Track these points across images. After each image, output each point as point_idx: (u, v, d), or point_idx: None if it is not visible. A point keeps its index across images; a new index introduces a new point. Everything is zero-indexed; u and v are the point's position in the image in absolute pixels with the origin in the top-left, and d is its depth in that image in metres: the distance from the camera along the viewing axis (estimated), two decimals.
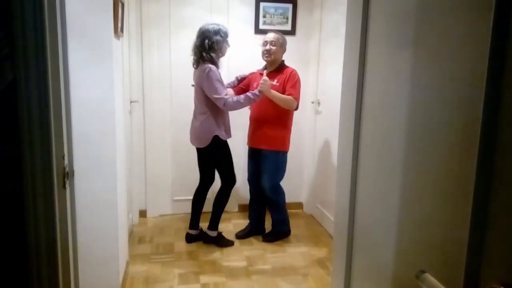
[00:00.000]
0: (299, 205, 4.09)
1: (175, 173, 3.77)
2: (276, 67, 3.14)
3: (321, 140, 3.72)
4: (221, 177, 3.14)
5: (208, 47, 2.88)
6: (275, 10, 3.72)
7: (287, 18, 3.75)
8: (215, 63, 2.92)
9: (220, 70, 2.97)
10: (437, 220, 0.85)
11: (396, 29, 1.02)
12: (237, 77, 3.34)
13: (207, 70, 2.84)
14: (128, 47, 3.31)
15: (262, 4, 3.68)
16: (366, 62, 1.18)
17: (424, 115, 0.90)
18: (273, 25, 3.72)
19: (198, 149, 3.11)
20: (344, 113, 1.32)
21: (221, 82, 2.89)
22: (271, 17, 3.72)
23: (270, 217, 3.35)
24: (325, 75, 3.59)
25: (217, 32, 2.90)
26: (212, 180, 3.21)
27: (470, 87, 0.74)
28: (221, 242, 3.18)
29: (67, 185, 1.32)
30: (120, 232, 2.27)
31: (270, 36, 3.11)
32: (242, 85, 3.29)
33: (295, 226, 3.64)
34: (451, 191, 0.80)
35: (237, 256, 3.02)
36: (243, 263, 2.90)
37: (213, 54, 2.89)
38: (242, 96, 2.93)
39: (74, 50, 1.82)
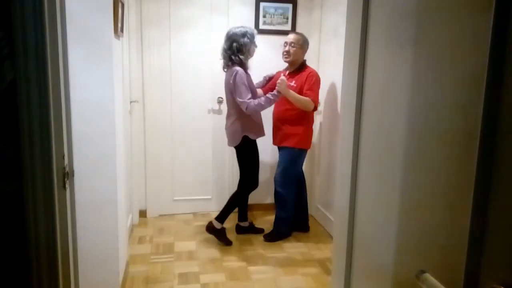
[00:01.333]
0: None
1: (175, 173, 3.77)
2: (296, 67, 3.18)
3: (321, 140, 3.72)
4: (244, 176, 3.19)
5: (237, 49, 2.97)
6: (275, 10, 3.72)
7: (287, 18, 3.75)
8: (244, 65, 3.00)
9: (249, 71, 3.05)
10: (437, 220, 0.85)
11: (396, 29, 1.02)
12: (265, 77, 3.41)
13: (234, 73, 2.93)
14: (128, 47, 3.31)
15: (262, 4, 3.68)
16: (366, 62, 1.18)
17: (424, 115, 0.90)
18: (273, 25, 3.72)
19: (235, 148, 3.20)
20: (344, 113, 1.32)
21: (246, 85, 2.95)
22: (271, 17, 3.72)
23: (275, 214, 3.35)
24: (325, 75, 3.59)
25: (244, 34, 2.98)
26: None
27: (470, 87, 0.74)
28: (221, 237, 3.20)
29: (67, 185, 1.32)
30: (120, 232, 2.27)
31: (290, 37, 3.16)
32: (270, 84, 3.35)
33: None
34: (451, 191, 0.80)
35: (237, 256, 3.02)
36: (243, 263, 2.90)
37: (241, 56, 2.98)
38: (262, 98, 3.00)
39: (74, 50, 1.82)
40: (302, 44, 3.15)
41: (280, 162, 3.27)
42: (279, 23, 3.74)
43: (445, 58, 0.83)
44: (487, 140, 0.68)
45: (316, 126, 3.83)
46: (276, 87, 3.01)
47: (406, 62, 0.97)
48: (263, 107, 2.99)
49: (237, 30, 3.00)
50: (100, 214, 2.04)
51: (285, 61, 3.21)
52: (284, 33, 3.76)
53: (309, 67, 3.21)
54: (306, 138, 3.22)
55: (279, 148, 3.31)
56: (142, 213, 3.72)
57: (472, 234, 0.71)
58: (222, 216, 3.19)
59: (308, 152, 3.89)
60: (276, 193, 3.29)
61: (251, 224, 3.42)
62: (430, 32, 0.88)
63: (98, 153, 1.99)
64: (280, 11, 3.73)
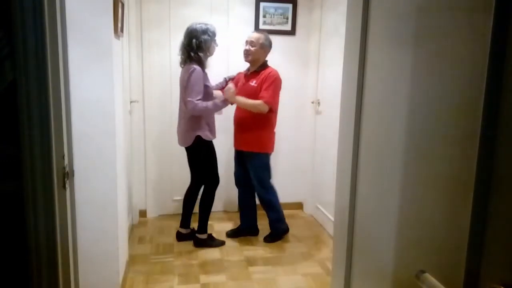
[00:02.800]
0: (299, 205, 4.09)
1: (175, 173, 3.77)
2: (257, 67, 3.08)
3: (321, 140, 3.72)
4: (204, 177, 3.13)
5: (196, 46, 2.86)
6: (275, 10, 3.72)
7: (287, 18, 3.75)
8: (202, 63, 2.90)
9: (207, 71, 2.97)
10: (437, 220, 0.85)
11: (396, 29, 1.02)
12: (225, 78, 3.32)
13: (191, 71, 2.83)
14: (128, 47, 3.31)
15: (262, 4, 3.68)
16: (366, 62, 1.18)
17: (424, 115, 0.90)
18: (273, 25, 3.72)
19: (186, 149, 3.10)
20: (344, 113, 1.32)
21: (200, 86, 2.84)
22: (271, 17, 3.72)
23: (267, 216, 3.33)
24: (325, 75, 3.59)
25: (205, 31, 2.88)
26: (202, 179, 3.18)
27: (470, 87, 0.74)
28: (212, 243, 3.17)
29: (67, 185, 1.32)
30: (120, 232, 2.27)
31: (251, 35, 3.07)
32: None
33: (295, 226, 3.64)
34: (451, 191, 0.80)
35: (237, 256, 3.02)
36: (243, 263, 2.90)
37: (201, 54, 2.87)
38: (210, 102, 2.89)
39: (74, 50, 1.82)
40: (263, 43, 3.04)
41: (252, 168, 3.16)
42: (279, 23, 3.74)
43: (445, 58, 0.83)
44: (487, 140, 0.68)
45: (316, 126, 3.84)
46: (224, 95, 2.95)
47: (406, 62, 0.97)
48: (209, 111, 2.89)
49: (198, 26, 2.88)
50: (100, 214, 2.04)
51: (246, 61, 3.11)
52: (284, 33, 3.77)
53: (270, 67, 3.09)
54: (269, 142, 3.14)
55: (241, 152, 3.20)
56: (142, 213, 3.72)
57: (472, 234, 0.71)
58: (202, 226, 3.15)
59: (308, 151, 3.91)
60: (261, 199, 3.24)
61: (193, 231, 3.25)
62: (430, 32, 0.88)
63: (98, 153, 1.99)
64: (280, 11, 3.73)
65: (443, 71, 0.83)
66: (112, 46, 1.98)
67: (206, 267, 2.83)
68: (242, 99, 3.01)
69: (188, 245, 3.18)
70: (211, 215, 3.25)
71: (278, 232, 3.33)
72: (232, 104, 3.04)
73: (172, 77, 3.62)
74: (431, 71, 0.87)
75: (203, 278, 2.67)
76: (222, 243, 3.20)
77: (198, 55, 2.87)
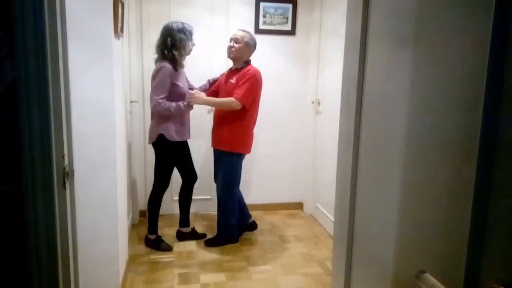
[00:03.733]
0: (299, 205, 4.09)
1: (175, 173, 3.77)
2: (239, 65, 3.05)
3: (321, 140, 3.72)
4: (180, 175, 3.15)
5: (171, 45, 2.84)
6: (275, 10, 3.72)
7: (287, 18, 3.75)
8: (176, 61, 2.86)
9: (185, 69, 2.98)
10: (437, 220, 0.85)
11: (396, 28, 1.02)
12: (208, 80, 3.30)
13: (159, 67, 2.81)
14: (128, 47, 3.31)
15: (262, 4, 3.68)
16: (366, 61, 1.18)
17: (424, 114, 0.90)
18: (273, 25, 3.72)
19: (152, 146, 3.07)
20: (344, 114, 1.32)
21: (166, 85, 2.81)
22: (271, 17, 3.72)
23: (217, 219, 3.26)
24: (325, 75, 3.59)
25: (181, 30, 2.85)
26: (164, 182, 3.11)
27: (470, 87, 0.74)
28: (195, 236, 3.25)
29: (67, 185, 1.32)
30: (120, 232, 2.27)
31: (236, 33, 3.04)
32: (214, 87, 3.25)
33: (295, 226, 3.64)
34: (451, 191, 0.80)
35: (237, 256, 3.02)
36: (243, 263, 2.90)
37: (175, 52, 2.84)
38: (174, 104, 2.84)
39: (74, 50, 1.82)
40: (247, 41, 2.99)
41: (219, 168, 3.13)
42: (279, 23, 3.74)
43: (445, 57, 0.83)
44: (487, 140, 0.68)
45: (316, 126, 3.84)
46: (189, 101, 2.90)
47: (406, 62, 0.97)
48: (170, 112, 2.83)
49: (174, 24, 2.85)
50: (100, 214, 2.04)
51: (229, 57, 3.08)
52: (284, 33, 3.77)
53: (251, 65, 3.05)
54: (244, 143, 3.07)
55: (217, 151, 3.16)
56: (142, 213, 3.72)
57: (472, 234, 0.71)
58: (184, 221, 3.23)
59: (308, 151, 3.91)
60: (218, 198, 3.17)
61: (158, 238, 3.16)
62: (430, 31, 0.88)
63: (98, 153, 1.99)
64: (280, 11, 3.73)
65: (442, 71, 0.83)
66: (112, 46, 1.98)
67: (206, 267, 2.83)
68: (212, 99, 3.01)
69: (188, 245, 3.18)
70: (211, 215, 3.25)
71: (223, 238, 3.21)
72: (199, 104, 3.01)
73: None
74: (431, 71, 0.87)
75: (203, 278, 2.68)
76: (202, 236, 3.25)
77: (172, 53, 2.84)
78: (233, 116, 2.99)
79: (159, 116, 2.88)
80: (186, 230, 3.27)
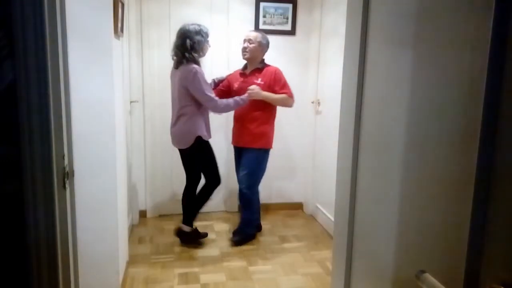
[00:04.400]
0: (299, 205, 4.09)
1: (175, 173, 3.77)
2: (256, 66, 3.12)
3: (321, 140, 3.72)
4: (205, 177, 3.14)
5: (190, 47, 2.87)
6: (275, 10, 3.72)
7: (287, 18, 3.75)
8: (196, 63, 2.91)
9: (204, 70, 2.99)
10: (437, 220, 0.85)
11: (396, 28, 1.02)
12: (214, 80, 3.31)
13: (193, 71, 2.83)
14: (128, 47, 3.31)
15: (262, 4, 3.68)
16: (366, 62, 1.18)
17: (424, 114, 0.90)
18: (273, 25, 3.72)
19: (181, 151, 3.09)
20: (344, 113, 1.32)
21: (207, 83, 2.92)
22: (271, 17, 3.72)
23: (240, 215, 3.31)
24: (325, 75, 3.59)
25: (198, 32, 2.90)
26: (199, 179, 3.18)
27: (470, 87, 0.74)
28: (197, 237, 3.18)
29: (67, 185, 1.32)
30: (120, 232, 2.27)
31: (249, 34, 3.12)
32: (222, 86, 3.27)
33: (295, 226, 3.64)
34: (451, 191, 0.80)
35: (237, 256, 3.02)
36: (243, 263, 2.90)
37: (195, 54, 2.89)
38: (231, 100, 2.96)
39: (74, 50, 1.81)
40: (260, 41, 3.08)
41: (245, 164, 3.15)
42: (279, 23, 3.74)
43: (445, 58, 0.83)
44: (487, 140, 0.68)
45: (316, 126, 3.84)
46: (247, 95, 2.97)
47: (406, 62, 0.97)
48: (231, 108, 2.98)
49: (191, 27, 2.90)
50: (100, 214, 2.04)
51: (244, 58, 3.14)
52: (284, 33, 3.77)
53: (270, 65, 3.15)
54: (271, 138, 3.17)
55: (242, 149, 3.19)
56: (142, 213, 3.72)
57: (472, 234, 0.71)
58: (188, 219, 3.14)
59: (308, 151, 3.91)
60: (243, 195, 3.20)
61: (195, 231, 3.20)
62: (430, 31, 0.88)
63: (98, 153, 1.99)
64: (280, 11, 3.73)
65: (443, 71, 0.83)
66: (112, 46, 1.98)
67: (206, 267, 2.83)
68: (270, 94, 3.05)
69: (188, 245, 3.18)
70: (211, 215, 3.24)
71: (247, 234, 3.27)
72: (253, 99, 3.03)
73: None
74: (431, 71, 0.87)
75: (203, 278, 2.68)
76: (205, 235, 3.22)
77: (192, 55, 2.88)
78: (263, 113, 3.09)
79: (192, 119, 2.93)
80: (186, 229, 3.18)
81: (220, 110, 2.94)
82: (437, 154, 0.85)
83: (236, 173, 3.34)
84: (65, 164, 1.31)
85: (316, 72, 3.76)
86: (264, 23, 3.71)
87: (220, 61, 3.62)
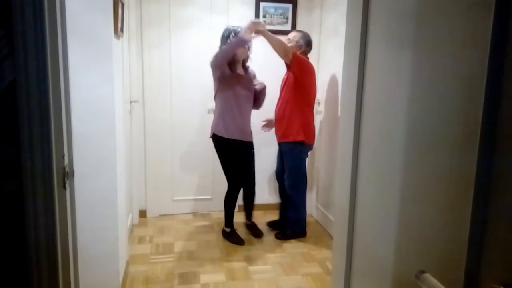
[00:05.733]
0: None
1: (175, 173, 3.77)
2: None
3: (321, 140, 3.72)
4: (226, 177, 3.22)
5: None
6: (275, 10, 3.72)
7: (287, 18, 3.75)
8: (229, 65, 3.04)
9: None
10: (437, 220, 0.85)
11: (396, 28, 1.02)
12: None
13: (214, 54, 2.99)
14: (128, 47, 3.31)
15: (262, 4, 3.67)
16: (366, 61, 1.18)
17: (424, 114, 0.90)
18: (273, 25, 3.72)
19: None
20: (344, 113, 1.32)
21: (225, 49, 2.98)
22: (271, 17, 3.72)
23: (287, 214, 3.37)
24: (325, 75, 3.59)
25: (227, 36, 3.02)
26: (235, 180, 3.23)
27: (470, 87, 0.74)
28: (232, 238, 3.26)
29: (67, 185, 1.32)
30: (120, 232, 2.27)
31: (289, 34, 3.23)
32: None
33: None
34: (451, 191, 0.80)
35: (237, 256, 3.02)
36: (243, 263, 2.90)
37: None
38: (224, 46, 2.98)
39: (74, 50, 1.82)
40: (298, 41, 3.16)
41: (286, 163, 3.28)
42: (279, 23, 3.74)
43: (445, 58, 0.83)
44: (487, 140, 0.68)
45: (316, 126, 3.83)
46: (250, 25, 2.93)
47: (406, 62, 0.97)
48: (228, 50, 2.92)
49: (225, 31, 3.05)
50: (100, 214, 2.04)
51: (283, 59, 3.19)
52: (284, 33, 3.76)
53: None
54: (302, 131, 3.16)
55: (280, 145, 3.32)
56: (142, 213, 3.72)
57: (472, 234, 0.71)
58: (227, 220, 3.28)
59: (308, 152, 3.90)
60: (287, 195, 3.31)
61: (233, 232, 3.31)
62: (430, 31, 0.88)
63: (98, 153, 1.99)
64: (280, 11, 3.73)
65: (443, 71, 0.83)
66: (112, 46, 1.98)
67: (206, 267, 2.83)
68: (270, 34, 3.02)
69: (188, 245, 3.18)
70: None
71: (292, 233, 3.36)
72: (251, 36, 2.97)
73: (172, 77, 3.62)
74: (431, 71, 0.87)
75: (203, 278, 2.67)
76: (241, 242, 3.23)
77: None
78: (295, 109, 3.12)
79: (215, 113, 3.06)
80: (226, 229, 3.30)
81: (217, 60, 2.93)
82: (437, 154, 0.85)
83: (276, 170, 3.47)
84: (65, 164, 1.31)
85: (316, 72, 3.76)
86: (264, 23, 3.70)
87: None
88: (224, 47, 2.96)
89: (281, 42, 3.03)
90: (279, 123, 3.25)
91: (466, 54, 0.76)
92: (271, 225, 3.54)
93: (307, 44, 3.20)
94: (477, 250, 0.70)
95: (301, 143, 3.18)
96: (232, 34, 2.98)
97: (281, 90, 3.25)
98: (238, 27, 3.01)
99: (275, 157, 3.55)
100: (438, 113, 0.84)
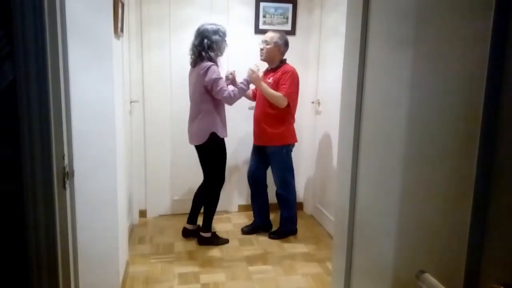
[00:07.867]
0: (299, 205, 4.07)
1: (175, 173, 3.77)
2: (274, 66, 3.19)
3: (321, 140, 3.72)
4: (211, 175, 3.13)
5: (207, 46, 2.93)
6: (275, 10, 3.72)
7: (287, 18, 3.75)
8: (214, 62, 2.96)
9: (220, 69, 3.01)
10: (437, 220, 0.85)
11: (396, 28, 1.02)
12: (227, 76, 3.32)
13: (207, 66, 2.89)
14: (128, 47, 3.31)
15: (262, 4, 3.67)
16: (366, 62, 1.18)
17: (424, 115, 0.90)
18: (273, 25, 3.72)
19: (197, 148, 3.12)
20: (344, 113, 1.32)
21: (221, 77, 2.95)
22: (271, 17, 3.72)
23: (280, 213, 3.37)
24: (325, 75, 3.59)
25: (216, 31, 2.95)
26: (218, 178, 3.18)
27: (470, 87, 0.74)
28: (216, 241, 3.19)
29: (67, 185, 1.32)
30: (120, 232, 2.27)
31: (266, 35, 3.17)
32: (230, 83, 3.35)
33: None
34: (451, 191, 0.80)
35: (237, 256, 3.02)
36: (243, 263, 2.90)
37: (212, 53, 2.94)
38: (236, 88, 3.01)
39: (74, 50, 1.82)
40: (277, 41, 3.11)
41: (273, 165, 3.28)
42: (279, 23, 3.74)
43: (445, 57, 0.83)
44: (487, 140, 0.68)
45: (316, 126, 3.84)
46: (247, 75, 3.03)
47: (406, 62, 0.97)
48: (239, 95, 3.00)
49: (209, 26, 2.95)
50: (100, 214, 2.04)
51: (261, 59, 3.20)
52: (284, 33, 3.77)
53: (287, 64, 3.19)
54: (289, 134, 3.20)
55: (262, 148, 3.27)
56: (142, 213, 3.72)
57: (472, 234, 0.71)
58: (206, 225, 3.15)
59: (308, 151, 3.90)
60: (278, 195, 3.31)
61: (199, 228, 3.25)
62: (430, 32, 0.88)
63: (98, 153, 1.99)
64: (280, 11, 3.73)
65: (443, 71, 0.83)
66: (112, 46, 1.98)
67: (206, 267, 2.83)
68: (265, 86, 3.07)
69: (188, 245, 3.18)
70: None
71: (286, 231, 3.37)
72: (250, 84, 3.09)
73: (172, 77, 3.62)
74: (431, 71, 0.87)
75: (203, 278, 2.67)
76: (225, 241, 3.21)
77: (209, 54, 2.93)
78: (280, 115, 3.11)
79: (208, 115, 2.97)
80: (206, 235, 3.17)
81: (232, 99, 2.96)
82: (437, 154, 0.85)
83: (248, 168, 3.43)
84: (65, 164, 1.31)
85: (316, 72, 3.76)
86: (264, 23, 3.71)
87: (220, 61, 3.62)
88: (237, 93, 2.99)
89: (272, 95, 3.06)
90: (259, 125, 3.21)
91: (466, 53, 0.76)
92: (248, 231, 3.43)
93: (285, 44, 3.18)
94: (477, 250, 0.70)
95: (287, 144, 3.22)
96: (222, 35, 2.98)
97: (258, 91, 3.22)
98: (215, 24, 2.99)
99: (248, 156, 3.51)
100: (438, 113, 0.84)
